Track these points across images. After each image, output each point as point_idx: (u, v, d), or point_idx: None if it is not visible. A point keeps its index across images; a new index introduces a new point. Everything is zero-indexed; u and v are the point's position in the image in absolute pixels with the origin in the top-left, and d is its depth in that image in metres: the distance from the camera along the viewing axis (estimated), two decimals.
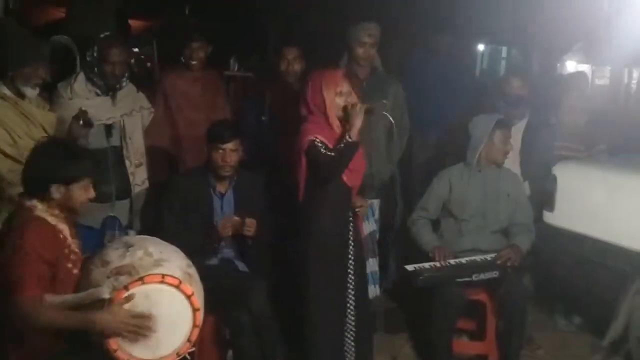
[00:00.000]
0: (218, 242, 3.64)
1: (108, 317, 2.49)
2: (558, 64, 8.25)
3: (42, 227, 2.63)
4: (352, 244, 3.56)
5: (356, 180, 3.57)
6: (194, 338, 2.69)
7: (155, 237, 2.82)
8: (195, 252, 3.06)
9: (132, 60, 3.96)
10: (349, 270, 3.55)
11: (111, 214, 3.95)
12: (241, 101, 6.42)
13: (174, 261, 2.66)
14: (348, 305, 3.55)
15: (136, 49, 11.11)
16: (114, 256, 2.63)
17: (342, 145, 3.41)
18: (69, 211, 2.76)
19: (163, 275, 2.56)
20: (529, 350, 4.15)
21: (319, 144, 3.44)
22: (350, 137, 3.39)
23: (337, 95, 3.48)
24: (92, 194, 2.78)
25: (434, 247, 3.93)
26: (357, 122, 3.41)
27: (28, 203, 2.68)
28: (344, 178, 3.50)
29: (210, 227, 3.60)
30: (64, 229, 2.72)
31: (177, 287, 2.59)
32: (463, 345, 4.11)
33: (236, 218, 3.58)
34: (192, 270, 2.72)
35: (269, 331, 3.47)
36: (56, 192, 2.66)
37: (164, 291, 2.58)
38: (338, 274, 3.54)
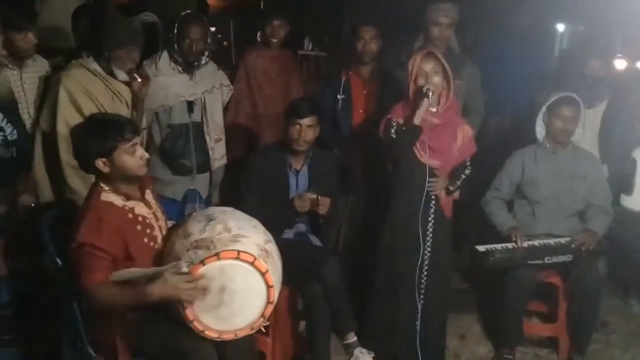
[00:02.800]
0: (294, 217, 3.73)
1: (161, 285, 2.56)
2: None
3: (104, 215, 2.66)
4: (432, 222, 3.60)
5: (442, 160, 3.59)
6: (267, 314, 2.75)
7: (237, 211, 2.90)
8: (272, 227, 3.17)
9: (210, 40, 4.07)
10: (425, 248, 3.59)
11: (191, 187, 4.10)
12: (315, 81, 6.49)
13: (251, 237, 2.70)
14: (422, 281, 3.61)
15: (213, 28, 11.32)
16: (196, 229, 2.71)
17: (403, 127, 3.47)
18: (131, 180, 2.78)
19: (239, 252, 2.61)
20: (601, 334, 4.11)
21: (393, 124, 3.52)
22: (412, 120, 3.44)
23: (418, 75, 3.52)
24: (141, 153, 2.76)
25: (509, 228, 3.89)
26: (421, 105, 3.44)
27: (97, 186, 2.75)
28: (424, 157, 3.54)
29: (286, 203, 3.70)
30: (136, 205, 2.77)
31: (252, 263, 2.63)
32: (534, 327, 4.11)
33: (312, 195, 3.66)
34: (270, 247, 2.77)
35: (342, 303, 3.56)
36: (104, 167, 2.69)
37: (239, 267, 2.63)
38: (412, 252, 3.60)
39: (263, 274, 2.67)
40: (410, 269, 3.59)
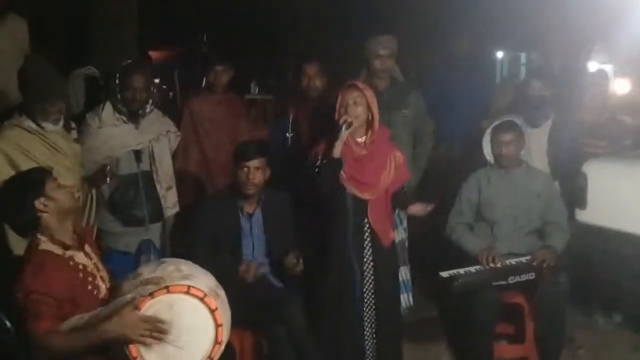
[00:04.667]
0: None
1: (120, 321, 2.47)
2: (579, 66, 8.22)
3: (45, 262, 2.64)
4: (369, 254, 3.57)
5: (372, 191, 3.56)
6: (215, 355, 2.63)
7: (188, 261, 2.83)
8: (224, 276, 3.08)
9: (154, 90, 4.06)
10: (365, 281, 3.56)
11: (145, 238, 4.01)
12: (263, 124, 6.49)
13: (202, 279, 2.66)
14: (366, 315, 3.58)
15: (157, 80, 11.28)
16: (146, 269, 2.68)
17: (324, 160, 3.44)
18: (68, 214, 2.78)
19: (189, 287, 2.55)
20: (570, 350, 4.10)
21: (318, 157, 3.49)
22: (330, 153, 3.42)
23: (340, 106, 3.51)
24: (69, 183, 2.90)
25: (480, 250, 3.88)
26: (339, 137, 3.41)
27: (33, 241, 2.71)
28: (354, 190, 3.52)
29: (238, 249, 3.64)
30: (75, 255, 2.75)
31: (202, 299, 2.56)
32: (503, 349, 4.07)
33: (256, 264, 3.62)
34: (221, 292, 2.71)
35: (306, 345, 3.47)
36: (43, 207, 2.69)
37: (188, 302, 2.56)
38: (349, 285, 3.55)
39: (212, 311, 2.58)
40: (351, 303, 3.55)
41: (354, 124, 3.45)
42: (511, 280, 3.76)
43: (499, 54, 9.91)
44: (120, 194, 3.93)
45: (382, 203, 3.62)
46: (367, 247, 3.57)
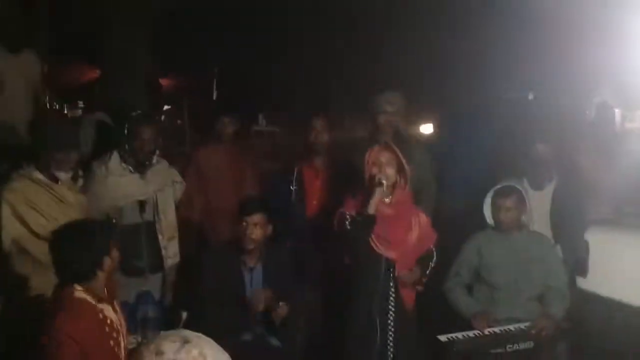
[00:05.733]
0: (250, 316, 3.65)
1: None
2: (587, 111, 8.22)
3: (80, 311, 2.65)
4: (392, 315, 3.56)
5: (399, 251, 3.58)
6: None
7: (211, 341, 2.82)
8: (228, 328, 3.09)
9: (163, 117, 4.14)
10: (388, 342, 3.55)
11: (144, 289, 4.02)
12: (269, 158, 6.52)
13: None
14: None
15: (167, 106, 11.37)
16: (169, 348, 2.61)
17: (357, 218, 3.47)
18: (110, 278, 2.83)
19: None
20: None
21: (347, 216, 3.53)
22: (366, 210, 3.45)
23: (372, 165, 3.55)
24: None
25: (474, 313, 3.87)
26: (374, 194, 3.46)
27: (67, 288, 2.70)
28: (380, 249, 3.53)
29: (241, 302, 3.62)
30: (105, 307, 2.75)
31: None
32: None
33: (267, 293, 3.60)
34: None
35: None
36: (110, 263, 2.76)
37: None
38: (369, 344, 3.53)
39: None
40: None
41: (386, 184, 3.49)
42: (509, 348, 3.73)
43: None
44: (121, 243, 3.92)
45: (408, 265, 3.63)
46: (392, 310, 3.57)
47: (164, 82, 10.87)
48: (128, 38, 7.38)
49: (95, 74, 9.85)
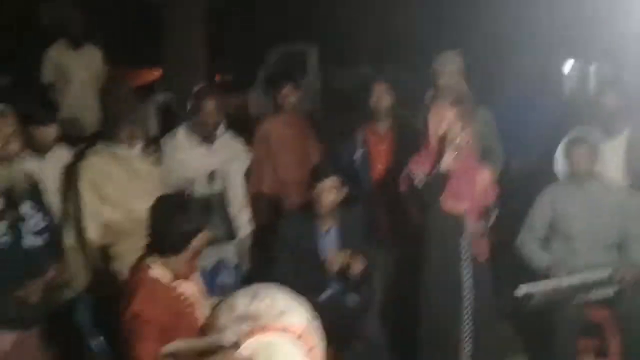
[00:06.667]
0: (327, 278, 3.69)
1: None
2: None
3: (154, 292, 2.67)
4: (468, 268, 3.55)
5: (467, 205, 3.59)
6: None
7: (281, 288, 2.85)
8: (306, 290, 3.11)
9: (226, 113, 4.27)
10: (464, 296, 3.54)
11: (220, 256, 4.09)
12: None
13: (297, 313, 2.61)
14: (466, 330, 3.53)
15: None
16: (241, 302, 2.64)
17: (430, 176, 3.48)
18: (198, 255, 2.80)
19: (286, 326, 2.52)
20: None
21: (415, 175, 3.55)
22: (439, 168, 3.46)
23: (439, 123, 3.54)
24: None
25: (547, 265, 3.83)
26: (447, 152, 3.47)
27: (146, 261, 2.73)
28: (449, 204, 3.52)
29: (318, 265, 3.67)
30: (179, 284, 2.76)
31: (299, 338, 2.53)
32: None
33: (343, 254, 3.62)
34: (316, 325, 2.67)
35: None
36: (197, 241, 2.70)
37: (284, 341, 2.52)
38: (453, 299, 3.55)
39: (309, 350, 2.55)
40: (452, 319, 3.52)
41: (456, 142, 3.50)
42: (590, 295, 3.68)
43: (568, 66, 9.71)
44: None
45: (474, 219, 3.62)
46: (466, 262, 3.57)
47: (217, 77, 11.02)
48: (185, 38, 7.57)
49: (153, 76, 10.09)
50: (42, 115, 3.53)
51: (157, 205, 2.75)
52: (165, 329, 2.63)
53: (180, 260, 2.72)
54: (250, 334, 2.50)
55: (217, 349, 2.53)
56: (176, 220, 2.67)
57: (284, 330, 2.52)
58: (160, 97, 4.63)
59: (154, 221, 2.72)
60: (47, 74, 5.54)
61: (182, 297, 2.75)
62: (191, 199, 2.83)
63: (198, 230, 2.70)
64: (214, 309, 2.77)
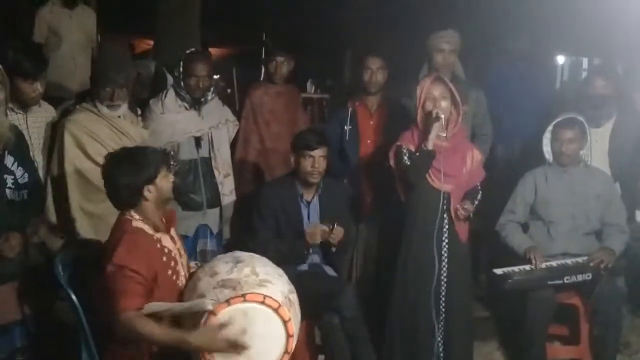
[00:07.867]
0: (307, 249, 3.70)
1: (204, 338, 2.52)
2: None
3: (139, 240, 2.67)
4: (446, 247, 3.57)
5: (454, 184, 3.59)
6: None
7: (264, 257, 2.83)
8: (286, 259, 3.13)
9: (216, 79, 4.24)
10: (442, 274, 3.55)
11: (202, 223, 4.10)
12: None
13: (277, 284, 2.65)
14: (440, 308, 3.56)
15: (217, 76, 11.44)
16: (223, 269, 2.65)
17: (417, 153, 3.49)
18: (165, 204, 2.83)
19: (265, 296, 2.55)
20: (625, 354, 4.01)
21: (404, 150, 3.54)
22: (425, 145, 3.45)
23: (426, 100, 3.55)
24: (172, 177, 2.86)
25: (526, 249, 3.86)
26: (432, 130, 3.47)
27: (126, 215, 2.74)
28: (436, 182, 3.54)
29: (299, 235, 3.67)
30: (163, 237, 2.77)
31: (276, 310, 2.57)
32: (556, 350, 4.01)
33: (324, 226, 3.63)
34: (293, 297, 2.71)
35: (360, 334, 3.51)
36: (149, 194, 2.72)
37: (262, 312, 2.56)
38: (426, 277, 3.56)
39: (285, 322, 2.59)
40: (427, 295, 3.54)
41: (443, 118, 3.49)
42: (567, 279, 3.71)
43: (560, 59, 9.72)
44: (180, 178, 3.98)
45: (458, 199, 3.62)
46: (445, 240, 3.58)
47: (213, 51, 10.93)
48: (179, 10, 7.48)
49: (146, 45, 9.99)
50: (30, 70, 3.49)
51: (107, 162, 2.77)
52: (149, 285, 2.63)
53: (146, 212, 2.73)
54: (229, 301, 2.53)
55: (196, 313, 2.56)
56: (123, 173, 2.69)
57: (263, 301, 2.55)
58: (152, 64, 4.61)
59: (105, 178, 2.75)
60: (39, 32, 5.49)
61: (165, 250, 2.75)
62: (140, 151, 2.81)
63: (149, 181, 2.70)
64: (195, 273, 2.79)
